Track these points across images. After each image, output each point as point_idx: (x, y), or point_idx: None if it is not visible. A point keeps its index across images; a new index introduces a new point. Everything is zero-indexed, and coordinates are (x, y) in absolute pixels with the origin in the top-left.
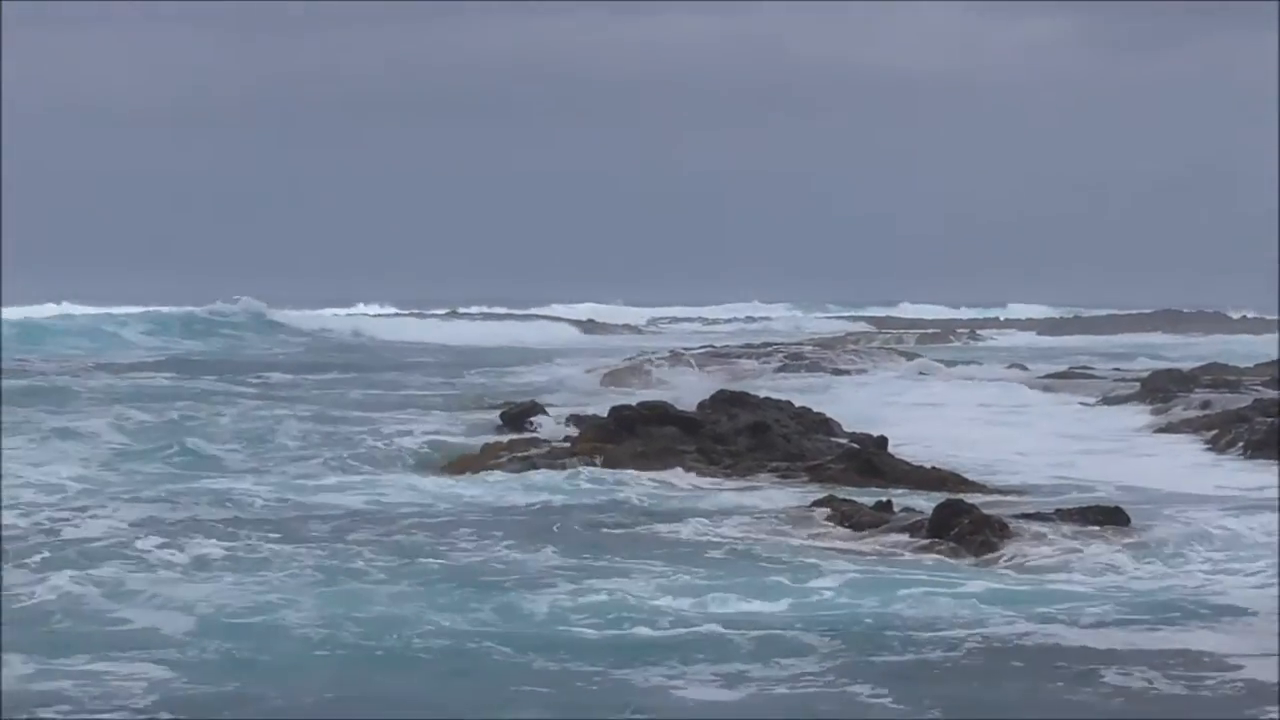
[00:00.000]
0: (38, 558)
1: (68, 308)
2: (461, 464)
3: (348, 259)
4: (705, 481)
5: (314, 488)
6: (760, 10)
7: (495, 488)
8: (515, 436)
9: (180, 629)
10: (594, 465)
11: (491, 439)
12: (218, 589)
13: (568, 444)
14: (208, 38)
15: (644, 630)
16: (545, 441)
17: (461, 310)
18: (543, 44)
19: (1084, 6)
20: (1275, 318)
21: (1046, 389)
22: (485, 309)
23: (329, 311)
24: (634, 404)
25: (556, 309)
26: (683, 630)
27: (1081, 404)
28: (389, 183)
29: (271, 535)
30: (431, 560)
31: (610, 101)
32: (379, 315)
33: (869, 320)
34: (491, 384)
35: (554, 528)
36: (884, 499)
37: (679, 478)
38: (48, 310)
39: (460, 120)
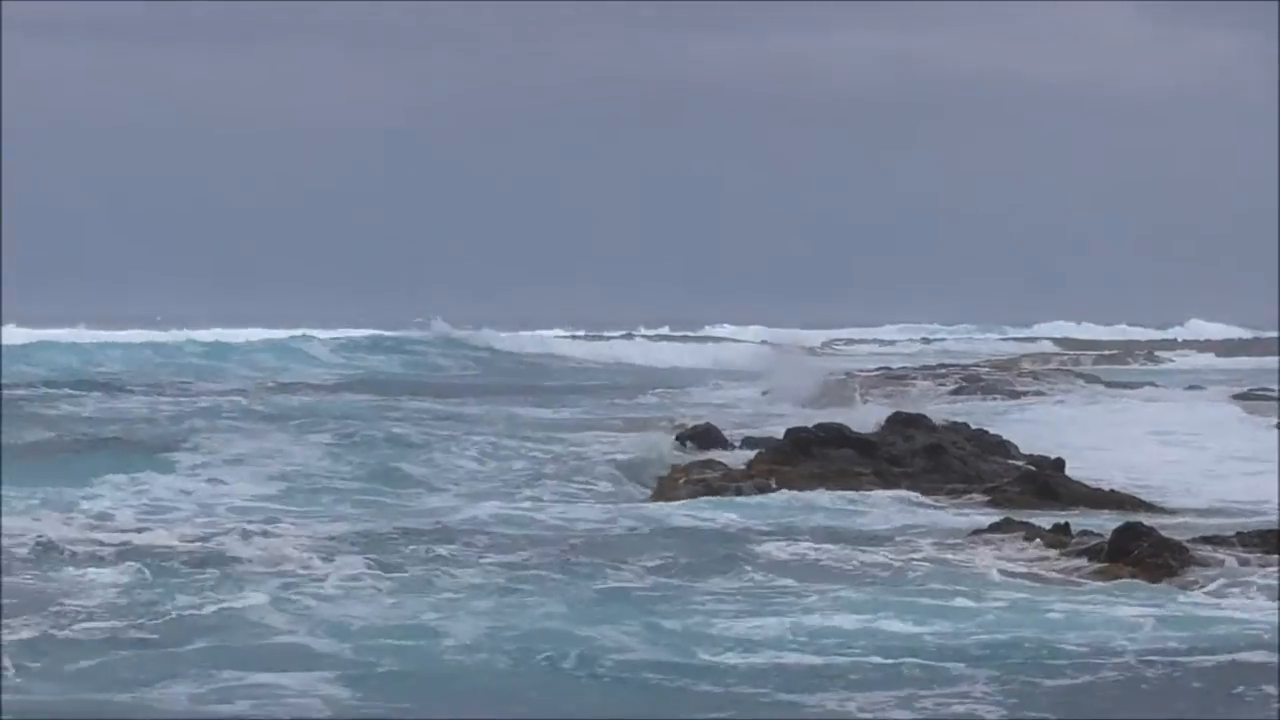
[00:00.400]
0: (229, 571)
1: (256, 332)
2: (640, 486)
3: (524, 278)
4: (883, 503)
5: (503, 507)
6: (923, 22)
7: (669, 509)
8: (693, 459)
9: (359, 646)
10: (770, 488)
11: (669, 460)
12: (400, 606)
13: (744, 467)
14: (366, 57)
15: (811, 655)
16: (721, 464)
17: (636, 333)
18: (716, 62)
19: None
20: None
21: (1227, 411)
22: (664, 330)
23: (521, 333)
24: (810, 426)
25: (727, 329)
26: (853, 653)
27: (1263, 426)
28: (563, 200)
29: (456, 553)
30: (603, 581)
31: (787, 119)
32: (560, 336)
33: (1050, 340)
34: (668, 405)
35: (724, 550)
36: (1061, 522)
37: (857, 499)
38: (252, 334)
39: (628, 138)
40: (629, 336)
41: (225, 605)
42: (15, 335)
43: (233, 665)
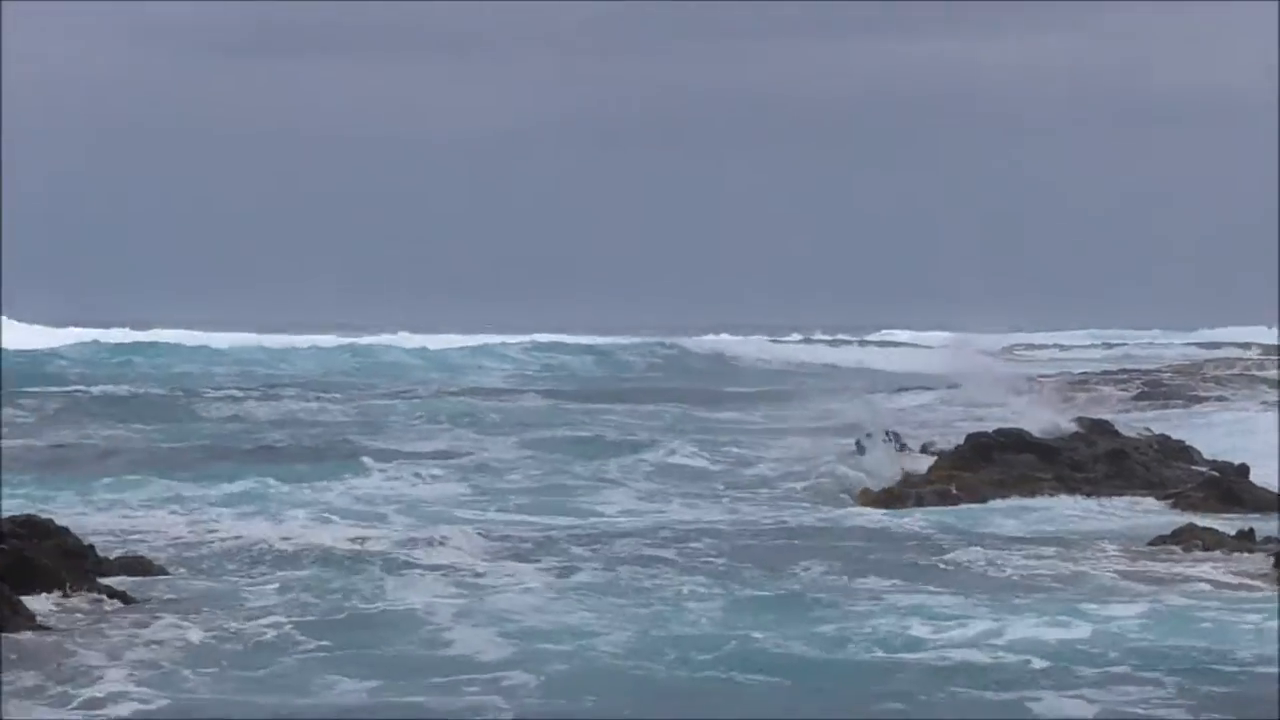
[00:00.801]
0: (408, 570)
1: (404, 338)
2: (820, 491)
3: (698, 281)
4: (1065, 508)
5: (687, 510)
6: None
7: (852, 513)
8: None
9: (546, 647)
10: (950, 494)
11: (839, 469)
12: (594, 610)
13: (924, 472)
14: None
15: (1002, 654)
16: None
17: (814, 337)
18: (888, 68)
19: None
20: None
21: None
22: (840, 336)
23: (703, 338)
24: (990, 431)
25: (905, 334)
26: (1032, 655)
27: None
28: (734, 206)
29: (649, 557)
30: (783, 583)
31: (962, 119)
32: (739, 339)
33: (1236, 345)
34: (850, 409)
35: (910, 555)
36: (1245, 528)
37: (1038, 504)
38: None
39: (800, 145)
40: (808, 341)
41: (404, 603)
42: (200, 338)
43: (406, 664)
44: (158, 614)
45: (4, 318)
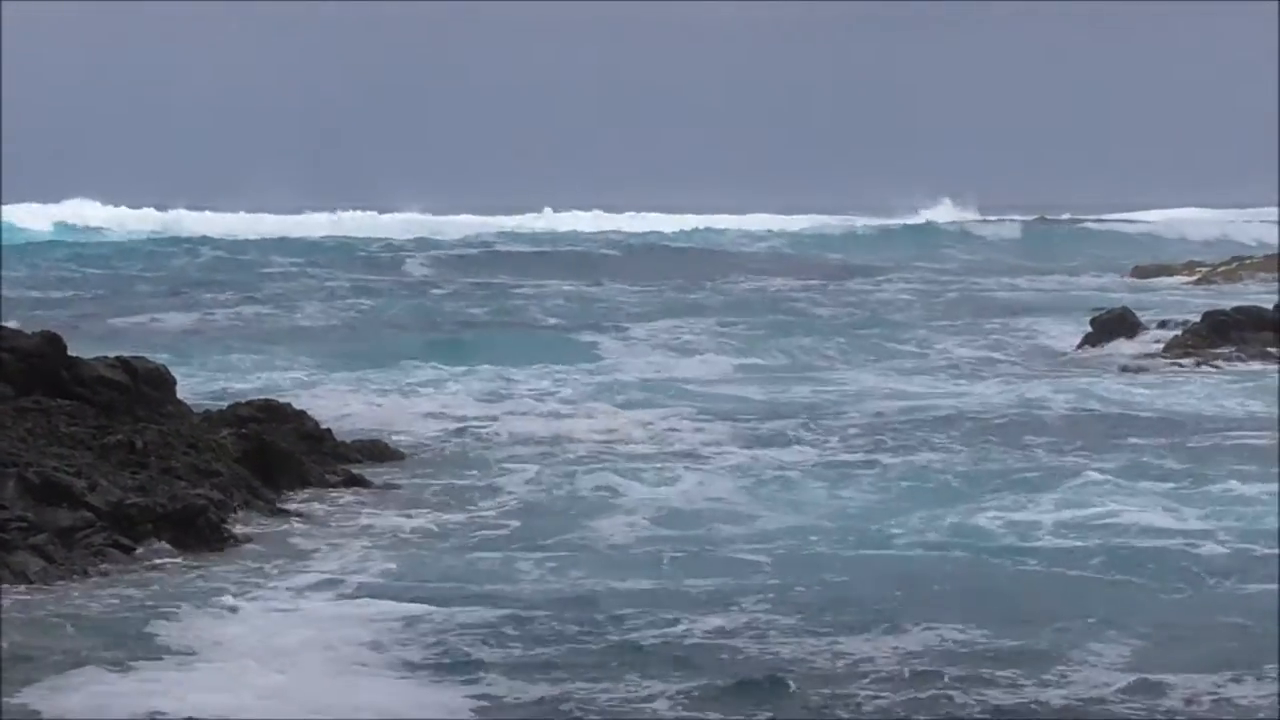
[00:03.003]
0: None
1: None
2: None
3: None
4: None
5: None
6: None
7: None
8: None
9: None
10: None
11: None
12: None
13: (1160, 346)
14: None
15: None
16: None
17: (1049, 217)
18: None
19: None
20: None
21: None
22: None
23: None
24: (1229, 309)
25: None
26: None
27: None
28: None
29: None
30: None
31: None
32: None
33: None
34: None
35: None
36: None
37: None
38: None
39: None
40: (1041, 221)
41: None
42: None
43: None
44: (389, 504)
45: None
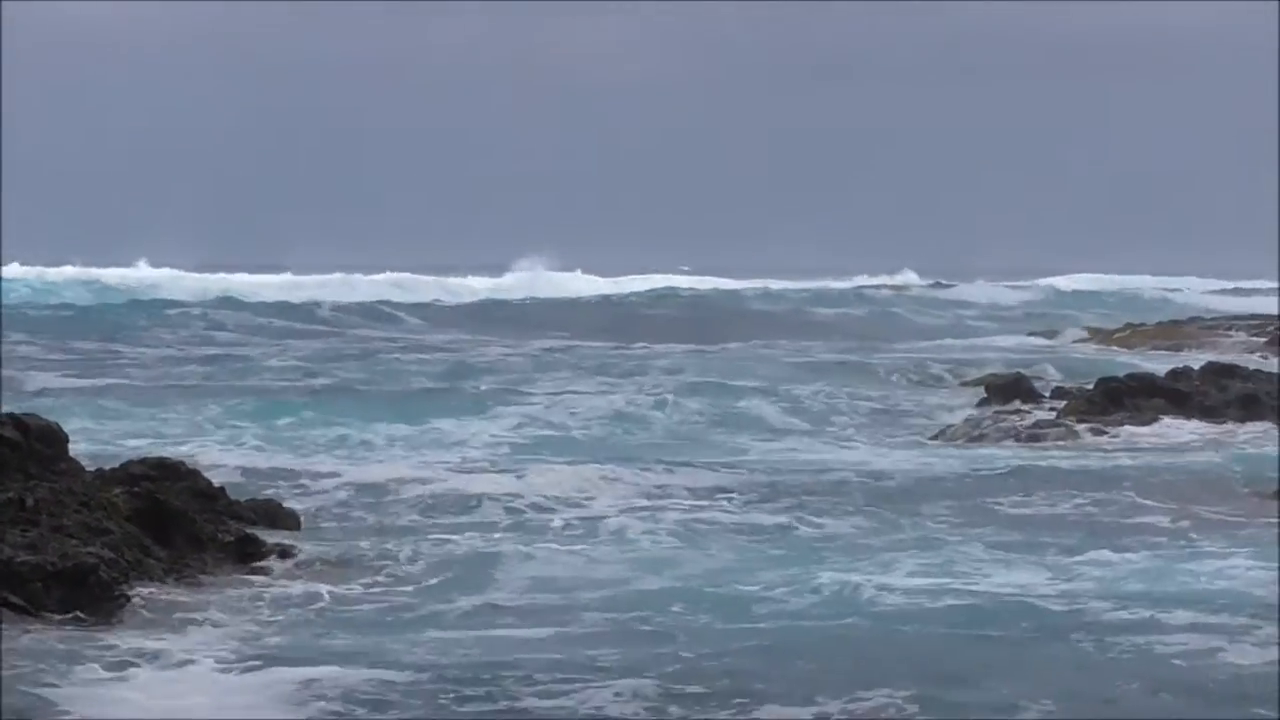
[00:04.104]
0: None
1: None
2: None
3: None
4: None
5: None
6: None
7: (967, 459)
8: (1000, 409)
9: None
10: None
11: (974, 411)
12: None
13: (1053, 416)
14: None
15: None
16: (1028, 413)
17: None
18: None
19: None
20: None
21: None
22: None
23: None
24: (1121, 376)
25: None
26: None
27: None
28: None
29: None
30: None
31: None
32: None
33: None
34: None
35: (1029, 499)
36: None
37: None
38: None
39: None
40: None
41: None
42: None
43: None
44: (281, 567)
45: None
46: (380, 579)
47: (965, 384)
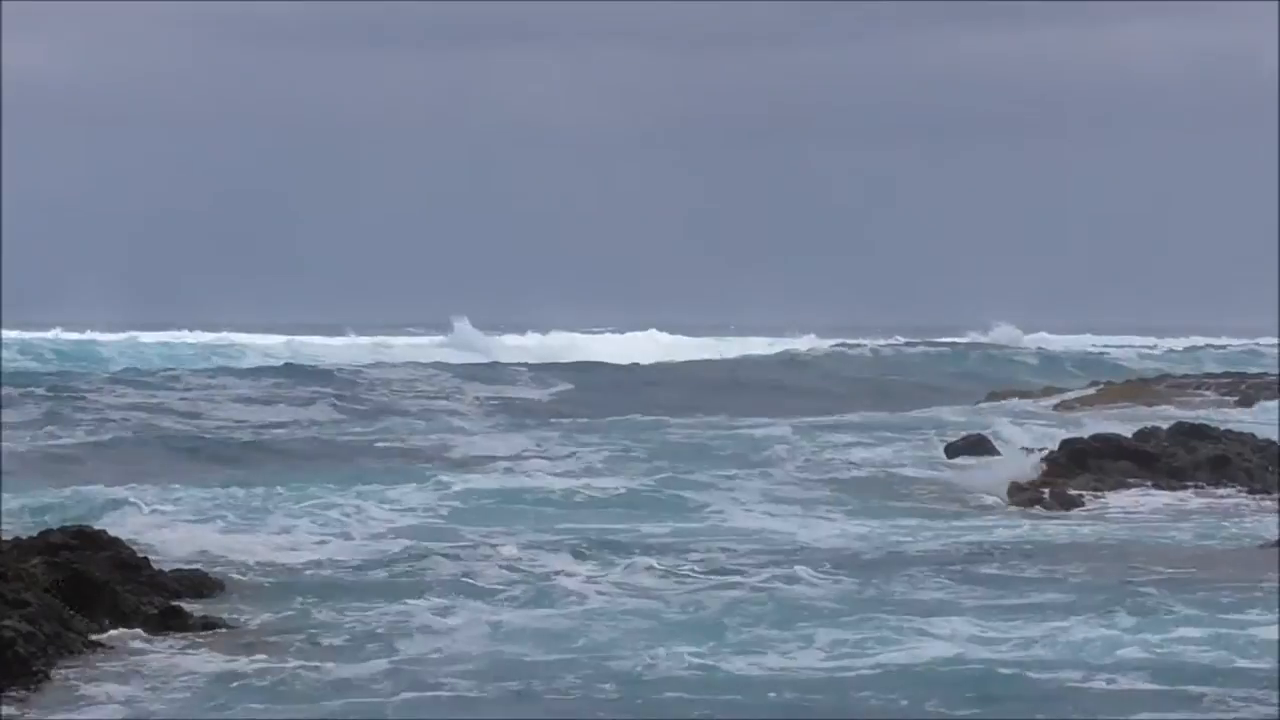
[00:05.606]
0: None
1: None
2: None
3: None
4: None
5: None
6: None
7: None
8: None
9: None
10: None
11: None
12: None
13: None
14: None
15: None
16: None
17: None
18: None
19: None
20: None
21: None
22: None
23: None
24: (1086, 437)
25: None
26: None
27: None
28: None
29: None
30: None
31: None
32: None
33: None
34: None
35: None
36: None
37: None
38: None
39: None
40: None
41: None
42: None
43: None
44: (205, 641)
45: None
46: (309, 649)
47: None
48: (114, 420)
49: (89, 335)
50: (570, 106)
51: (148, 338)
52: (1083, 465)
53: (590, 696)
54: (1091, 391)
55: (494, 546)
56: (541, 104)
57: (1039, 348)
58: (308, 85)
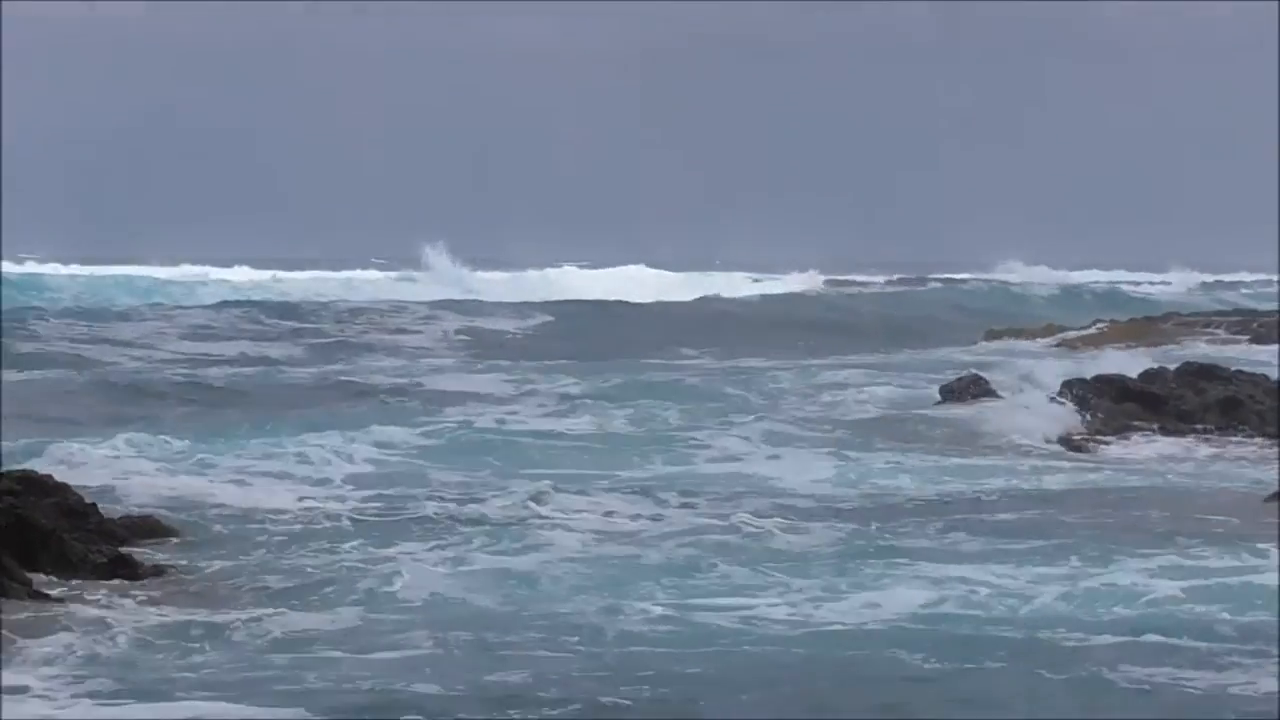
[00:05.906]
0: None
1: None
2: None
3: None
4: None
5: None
6: None
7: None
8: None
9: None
10: None
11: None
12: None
13: None
14: None
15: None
16: None
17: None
18: None
19: None
20: None
21: None
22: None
23: None
24: (1089, 378)
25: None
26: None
27: None
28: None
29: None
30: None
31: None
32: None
33: None
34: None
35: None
36: None
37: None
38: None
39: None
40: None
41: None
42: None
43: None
44: (154, 590)
45: None
46: (263, 597)
47: None
48: (63, 357)
49: (35, 268)
50: (550, 32)
51: (102, 271)
52: (1084, 407)
53: (555, 646)
54: (1095, 331)
55: (465, 489)
56: (521, 31)
57: (1057, 284)
58: (272, 14)
